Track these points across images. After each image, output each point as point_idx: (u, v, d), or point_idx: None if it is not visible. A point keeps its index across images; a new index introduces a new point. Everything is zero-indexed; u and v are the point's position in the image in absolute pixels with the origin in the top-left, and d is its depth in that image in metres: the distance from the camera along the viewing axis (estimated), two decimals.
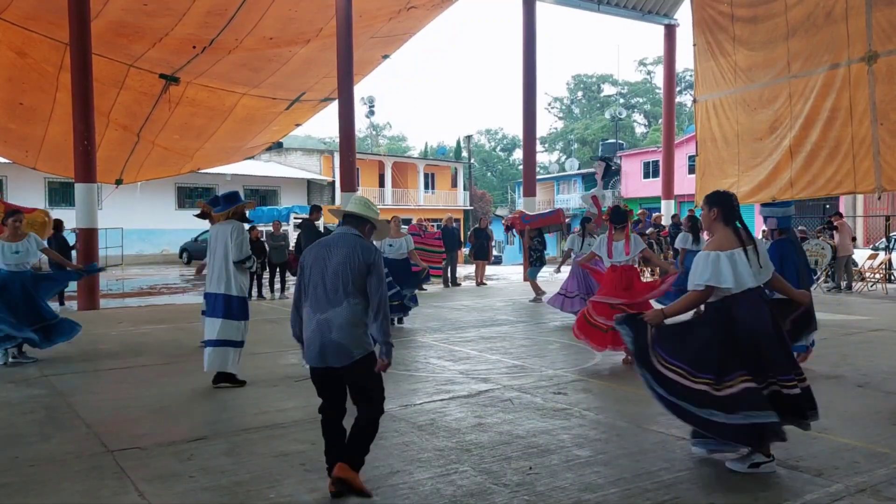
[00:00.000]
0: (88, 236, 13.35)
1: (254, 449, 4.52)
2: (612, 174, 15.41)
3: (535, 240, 14.22)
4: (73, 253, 13.33)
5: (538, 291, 13.47)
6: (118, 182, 19.65)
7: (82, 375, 6.99)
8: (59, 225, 13.17)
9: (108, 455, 4.42)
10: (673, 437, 4.66)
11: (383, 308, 3.70)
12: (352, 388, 3.75)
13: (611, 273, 7.38)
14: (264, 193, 37.81)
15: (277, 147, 35.32)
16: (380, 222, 3.96)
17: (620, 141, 48.97)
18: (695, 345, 4.05)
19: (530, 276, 14.13)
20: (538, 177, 31.69)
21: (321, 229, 13.34)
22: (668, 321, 4.17)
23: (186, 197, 34.90)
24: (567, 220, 16.74)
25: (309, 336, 3.69)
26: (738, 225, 4.11)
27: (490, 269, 20.76)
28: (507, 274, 22.01)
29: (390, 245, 9.86)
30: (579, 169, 47.32)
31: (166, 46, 15.73)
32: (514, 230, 15.66)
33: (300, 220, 13.52)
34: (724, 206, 4.14)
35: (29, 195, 29.19)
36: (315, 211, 13.02)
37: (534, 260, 14.20)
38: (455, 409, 5.44)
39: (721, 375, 3.90)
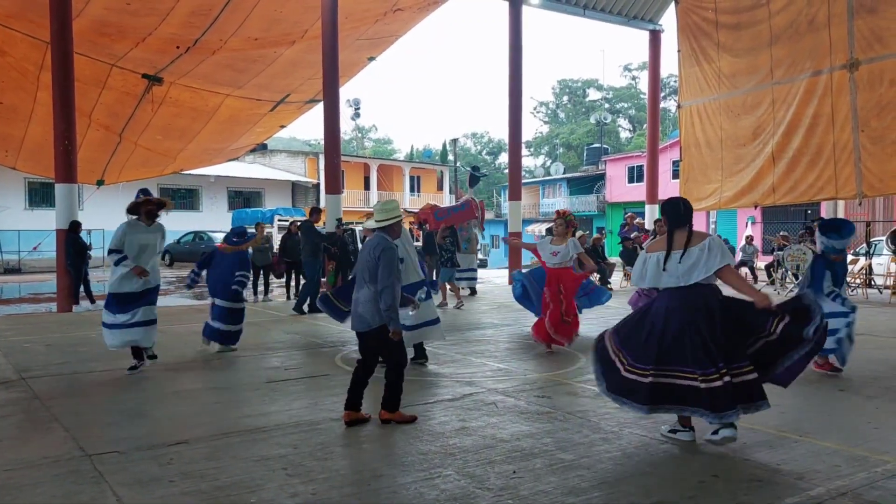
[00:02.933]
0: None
1: (235, 453, 4.47)
2: (477, 181, 16.10)
3: (447, 239, 13.48)
4: (92, 253, 13.46)
5: (457, 295, 13.20)
6: (99, 183, 19.48)
7: (61, 378, 6.89)
8: (75, 227, 13.06)
9: (86, 459, 4.36)
10: (656, 441, 4.67)
11: (383, 288, 4.91)
12: (377, 349, 5.13)
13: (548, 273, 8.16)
14: (248, 195, 37.62)
15: (262, 148, 35.03)
16: (398, 220, 5.25)
17: (605, 146, 49.25)
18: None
19: (443, 280, 13.33)
20: (524, 181, 31.81)
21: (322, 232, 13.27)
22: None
23: (169, 198, 34.59)
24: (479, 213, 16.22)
25: (351, 309, 5.25)
26: (685, 228, 4.53)
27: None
28: (492, 277, 22.02)
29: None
30: (564, 173, 47.50)
31: (149, 46, 15.61)
32: (426, 226, 14.92)
33: (300, 223, 13.46)
34: (668, 213, 4.64)
35: (9, 195, 28.90)
36: (315, 213, 12.95)
37: (444, 261, 13.45)
38: (439, 413, 5.42)
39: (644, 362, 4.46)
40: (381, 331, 4.99)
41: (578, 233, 17.91)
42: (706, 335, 4.33)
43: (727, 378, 4.24)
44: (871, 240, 18.04)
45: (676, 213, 4.58)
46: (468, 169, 15.54)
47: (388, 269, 4.93)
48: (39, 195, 29.79)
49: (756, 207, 18.41)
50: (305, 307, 12.13)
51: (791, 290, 15.53)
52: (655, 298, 4.64)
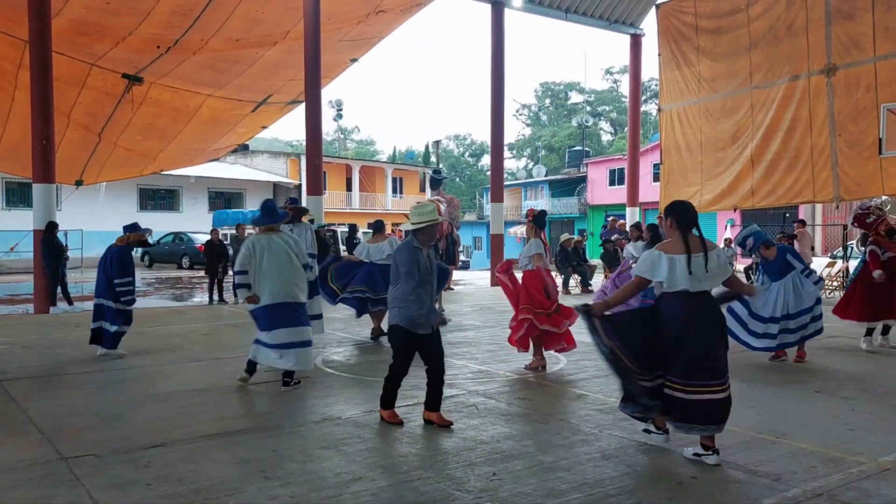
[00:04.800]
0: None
1: (213, 456, 4.43)
2: (438, 184, 16.39)
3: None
4: (70, 254, 13.27)
5: None
6: (78, 183, 19.27)
7: (37, 381, 6.80)
8: (52, 228, 12.87)
9: (63, 462, 4.31)
10: (635, 443, 4.70)
11: (396, 286, 5.07)
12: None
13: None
14: (229, 196, 37.36)
15: (243, 149, 34.91)
16: (419, 224, 5.04)
17: (587, 148, 49.49)
18: (639, 338, 4.37)
19: None
20: (506, 183, 31.89)
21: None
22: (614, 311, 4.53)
23: (149, 199, 34.32)
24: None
25: None
26: (696, 232, 4.37)
27: (457, 274, 20.77)
28: (474, 279, 22.05)
29: (368, 252, 9.11)
30: (546, 175, 47.66)
31: (130, 46, 15.47)
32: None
33: None
34: (677, 215, 4.39)
35: None
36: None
37: None
38: (419, 415, 5.40)
39: (649, 369, 4.32)
40: (390, 329, 5.16)
41: (565, 235, 18.00)
42: (722, 342, 4.37)
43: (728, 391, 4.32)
44: (848, 243, 18.28)
45: (688, 215, 4.39)
46: (430, 173, 15.90)
47: (406, 272, 4.96)
48: (17, 195, 29.39)
49: (735, 210, 18.59)
50: None
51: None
52: (665, 304, 4.32)
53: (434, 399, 5.13)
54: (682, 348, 4.22)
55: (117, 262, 7.94)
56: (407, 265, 4.95)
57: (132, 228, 8.26)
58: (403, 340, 5.08)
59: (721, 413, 4.26)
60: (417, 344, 5.09)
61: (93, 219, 28.79)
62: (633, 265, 11.37)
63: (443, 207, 13.98)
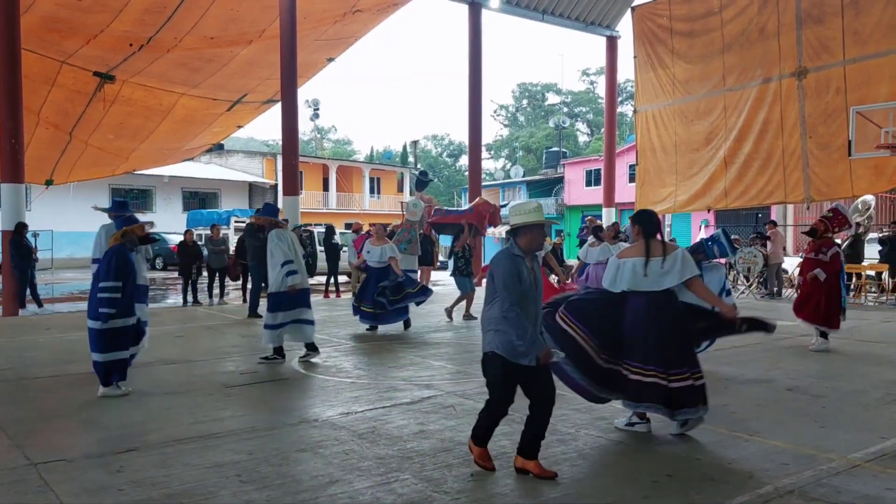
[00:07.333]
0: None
1: (187, 460, 4.38)
2: (424, 185, 16.65)
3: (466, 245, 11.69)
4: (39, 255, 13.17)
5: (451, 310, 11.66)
6: (48, 183, 18.95)
7: (6, 384, 6.67)
8: (20, 228, 12.64)
9: (32, 468, 4.22)
10: (612, 442, 4.73)
11: (503, 313, 3.93)
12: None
13: None
14: (204, 196, 37.02)
15: (218, 149, 34.57)
16: (527, 225, 4.03)
17: (564, 149, 49.74)
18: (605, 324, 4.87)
19: (466, 291, 11.75)
20: (484, 183, 31.94)
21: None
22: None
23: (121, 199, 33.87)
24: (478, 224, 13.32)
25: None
26: (658, 237, 4.83)
27: (435, 275, 20.75)
28: (454, 280, 22.00)
29: (368, 252, 9.94)
30: (524, 176, 47.82)
31: (101, 44, 15.26)
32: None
33: (245, 226, 13.28)
34: (643, 223, 4.88)
35: None
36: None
37: (462, 268, 11.71)
38: (397, 417, 5.39)
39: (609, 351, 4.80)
40: (485, 358, 4.10)
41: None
42: (677, 336, 4.73)
43: (691, 381, 4.66)
44: None
45: (652, 223, 4.90)
46: (415, 174, 15.93)
47: (502, 285, 3.94)
48: None
49: (709, 211, 18.82)
50: (261, 310, 11.97)
51: (744, 293, 15.89)
52: (627, 299, 4.82)
53: (531, 444, 4.08)
54: (644, 339, 4.68)
55: (105, 261, 6.08)
56: (505, 277, 3.92)
57: (125, 219, 6.30)
58: (502, 372, 4.00)
59: (682, 398, 4.62)
60: (521, 376, 4.05)
61: (63, 219, 28.32)
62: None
63: (419, 211, 13.89)
